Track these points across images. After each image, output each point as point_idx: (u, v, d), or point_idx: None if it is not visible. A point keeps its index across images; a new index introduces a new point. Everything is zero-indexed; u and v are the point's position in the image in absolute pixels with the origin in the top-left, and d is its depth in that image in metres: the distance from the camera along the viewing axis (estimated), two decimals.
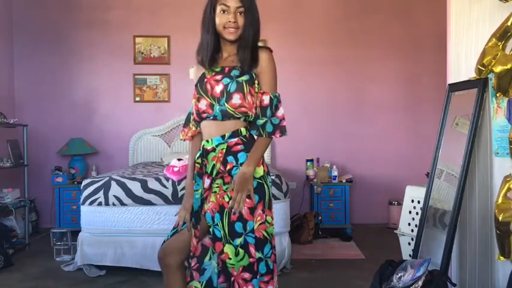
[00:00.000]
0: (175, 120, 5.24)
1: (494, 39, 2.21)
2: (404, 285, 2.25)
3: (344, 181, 4.97)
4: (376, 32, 5.38)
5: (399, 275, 2.33)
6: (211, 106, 1.93)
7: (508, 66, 2.13)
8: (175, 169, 3.54)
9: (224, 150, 1.93)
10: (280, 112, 1.97)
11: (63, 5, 5.30)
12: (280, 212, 3.51)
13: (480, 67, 2.32)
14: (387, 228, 5.03)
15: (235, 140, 1.94)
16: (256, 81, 1.95)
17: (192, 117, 2.08)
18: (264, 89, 1.96)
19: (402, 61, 5.40)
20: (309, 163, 5.17)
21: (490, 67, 2.23)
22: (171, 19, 5.29)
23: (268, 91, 1.96)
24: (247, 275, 1.90)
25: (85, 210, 3.54)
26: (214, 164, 1.95)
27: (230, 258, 1.90)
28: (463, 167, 2.39)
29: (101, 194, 3.51)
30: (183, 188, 3.44)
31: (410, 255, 2.88)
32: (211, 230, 1.94)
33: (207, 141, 1.97)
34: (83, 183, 3.63)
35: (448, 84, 2.79)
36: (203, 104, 1.95)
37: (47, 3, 5.28)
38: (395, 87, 5.41)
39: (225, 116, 1.92)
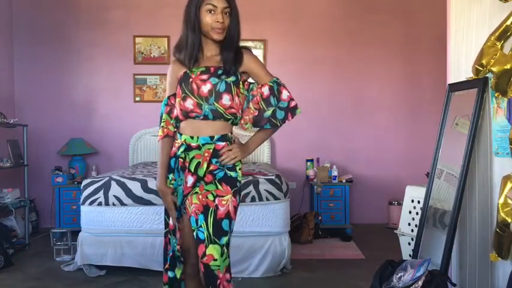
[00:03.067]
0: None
1: (492, 39, 2.21)
2: (404, 285, 2.25)
3: (344, 181, 4.97)
4: (376, 32, 5.38)
5: (399, 275, 2.33)
6: (199, 106, 1.93)
7: (507, 66, 2.13)
8: None
9: (211, 151, 1.94)
10: (285, 95, 2.02)
11: (63, 5, 5.30)
12: (280, 212, 3.52)
13: (478, 67, 2.32)
14: (387, 228, 5.03)
15: (223, 144, 1.96)
16: (241, 82, 1.99)
17: (166, 117, 2.07)
18: (261, 82, 2.01)
19: (402, 61, 5.40)
20: (309, 163, 5.17)
21: (488, 67, 2.23)
22: (171, 19, 5.27)
23: (266, 81, 2.00)
24: (228, 276, 1.89)
25: (85, 210, 3.55)
26: (198, 162, 1.94)
27: (216, 259, 1.86)
28: (463, 167, 2.39)
29: (101, 194, 3.51)
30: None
31: (410, 255, 2.88)
32: (194, 233, 1.91)
33: (191, 137, 1.96)
34: (83, 183, 3.63)
35: (448, 84, 2.79)
36: (189, 103, 1.94)
37: (47, 3, 5.28)
38: (395, 87, 5.41)
39: (216, 115, 1.94)
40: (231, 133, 2.02)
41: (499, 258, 2.16)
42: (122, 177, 3.61)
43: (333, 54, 5.38)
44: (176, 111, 2.01)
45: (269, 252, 3.45)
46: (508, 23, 2.12)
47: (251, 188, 3.49)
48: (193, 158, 1.95)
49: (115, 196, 3.50)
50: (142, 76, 5.34)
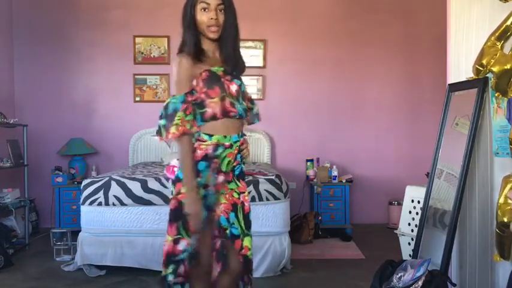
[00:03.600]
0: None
1: (492, 39, 2.21)
2: (404, 285, 2.25)
3: (344, 181, 4.97)
4: (376, 32, 5.38)
5: (399, 275, 2.33)
6: (233, 105, 2.00)
7: (507, 66, 2.13)
8: (175, 169, 3.53)
9: (238, 148, 2.04)
10: None
11: (63, 5, 5.29)
12: (280, 212, 3.51)
13: (478, 67, 2.32)
14: (387, 228, 5.03)
15: (242, 139, 2.08)
16: None
17: (182, 114, 1.92)
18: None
19: (402, 61, 5.40)
20: (309, 163, 5.17)
21: (489, 67, 2.24)
22: (171, 19, 5.22)
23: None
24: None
25: (85, 210, 3.54)
26: (229, 161, 2.00)
27: (250, 249, 2.04)
28: (463, 167, 2.39)
29: (101, 194, 3.51)
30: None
31: (410, 255, 2.88)
32: (228, 231, 1.99)
33: (225, 137, 1.99)
34: (83, 183, 3.63)
35: (448, 84, 2.79)
36: (228, 103, 1.98)
37: (47, 3, 5.28)
38: (395, 87, 5.41)
39: (245, 114, 2.08)
40: None
41: (501, 259, 2.16)
42: (122, 177, 3.61)
43: (333, 54, 5.38)
44: (210, 110, 1.94)
45: (269, 252, 3.45)
46: (508, 23, 2.13)
47: (251, 188, 3.49)
48: (225, 157, 1.99)
49: (115, 196, 3.50)
50: (142, 76, 5.34)
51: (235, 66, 2.03)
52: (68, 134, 5.17)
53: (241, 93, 2.05)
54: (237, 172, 2.06)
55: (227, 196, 2.02)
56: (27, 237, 4.44)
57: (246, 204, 2.07)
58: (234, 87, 2.01)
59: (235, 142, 2.01)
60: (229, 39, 1.98)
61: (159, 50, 5.34)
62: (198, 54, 1.96)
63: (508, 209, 2.09)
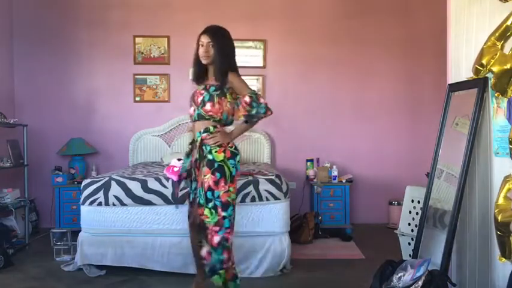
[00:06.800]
0: (175, 120, 5.24)
1: (492, 39, 2.22)
2: (404, 285, 2.26)
3: (344, 181, 4.97)
4: (376, 31, 5.38)
5: (399, 275, 2.33)
6: (194, 111, 2.76)
7: (507, 66, 2.13)
8: (175, 169, 3.52)
9: (200, 140, 2.70)
10: (262, 100, 2.73)
11: (63, 5, 5.29)
12: (280, 212, 3.52)
13: (478, 67, 2.32)
14: (387, 228, 5.03)
15: (205, 134, 2.69)
16: (227, 94, 2.69)
17: None
18: (241, 93, 2.71)
19: (402, 61, 5.40)
20: (309, 163, 5.17)
21: (489, 67, 2.24)
22: (171, 19, 5.29)
23: (246, 93, 2.69)
24: (216, 228, 2.62)
25: (85, 210, 3.54)
26: (196, 150, 2.73)
27: (208, 217, 2.63)
28: (463, 167, 2.40)
29: (101, 194, 3.51)
30: (183, 188, 3.44)
31: (410, 255, 2.88)
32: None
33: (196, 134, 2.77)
34: (83, 183, 3.63)
35: (448, 84, 2.79)
36: (192, 110, 2.79)
37: (47, 3, 5.28)
38: (396, 87, 5.41)
39: (200, 117, 2.73)
40: (214, 126, 2.69)
41: (504, 259, 2.16)
42: (122, 177, 3.61)
43: (333, 54, 5.38)
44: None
45: (269, 252, 3.45)
46: (508, 23, 2.13)
47: (251, 188, 3.49)
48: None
49: (115, 196, 3.50)
50: (142, 76, 5.34)
51: (222, 84, 2.68)
52: (68, 134, 5.17)
53: (202, 102, 2.68)
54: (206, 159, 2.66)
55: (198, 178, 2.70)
56: (27, 237, 4.44)
57: (205, 184, 2.65)
58: (200, 98, 2.71)
59: (198, 137, 2.71)
60: (217, 65, 2.67)
61: (159, 50, 5.34)
62: (198, 78, 2.80)
63: (508, 209, 2.10)
